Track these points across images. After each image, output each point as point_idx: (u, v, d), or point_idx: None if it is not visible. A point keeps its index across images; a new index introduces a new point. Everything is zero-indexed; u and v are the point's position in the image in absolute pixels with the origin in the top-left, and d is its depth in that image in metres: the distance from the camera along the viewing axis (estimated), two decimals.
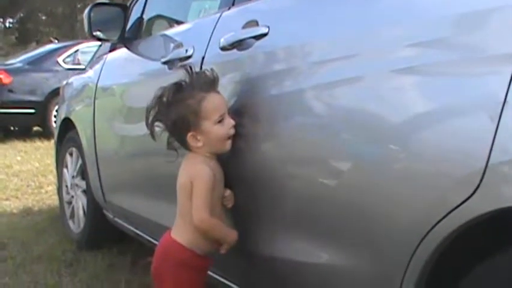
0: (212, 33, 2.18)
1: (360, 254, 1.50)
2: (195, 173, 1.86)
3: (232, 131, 1.87)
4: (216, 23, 2.19)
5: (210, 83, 1.89)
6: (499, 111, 1.15)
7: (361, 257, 1.50)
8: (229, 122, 1.87)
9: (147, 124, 1.96)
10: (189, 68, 1.92)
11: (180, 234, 1.93)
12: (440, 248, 1.28)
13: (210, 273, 2.07)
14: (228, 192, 1.94)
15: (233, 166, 1.94)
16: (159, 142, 2.00)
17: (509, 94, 1.15)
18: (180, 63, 2.24)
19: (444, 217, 1.24)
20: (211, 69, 1.91)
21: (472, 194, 1.19)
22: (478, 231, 1.23)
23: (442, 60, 1.31)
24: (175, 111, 1.87)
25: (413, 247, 1.31)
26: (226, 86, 1.96)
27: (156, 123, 1.95)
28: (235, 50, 1.98)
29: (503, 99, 1.15)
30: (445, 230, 1.25)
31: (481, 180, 1.17)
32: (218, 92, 1.89)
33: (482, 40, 1.24)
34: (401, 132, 1.38)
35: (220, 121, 1.85)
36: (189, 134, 1.86)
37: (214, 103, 1.86)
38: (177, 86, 1.90)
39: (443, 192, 1.26)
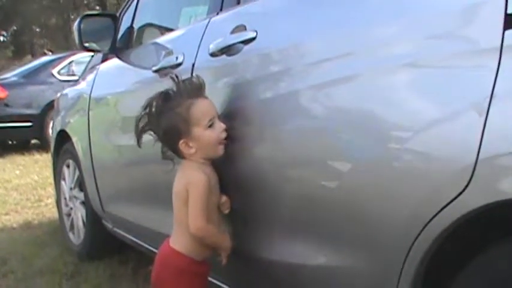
0: (201, 39, 2.18)
1: (356, 255, 1.50)
2: (190, 180, 1.86)
3: (223, 135, 1.87)
4: (205, 29, 2.19)
5: (197, 89, 1.90)
6: (487, 105, 1.15)
7: (358, 257, 1.50)
8: (220, 126, 1.87)
9: (136, 133, 1.97)
10: (175, 76, 1.92)
11: (178, 242, 1.93)
12: (435, 244, 1.28)
13: (209, 278, 2.06)
14: (224, 198, 1.94)
15: (227, 170, 1.94)
16: (154, 150, 2.00)
17: (495, 88, 1.15)
18: (166, 72, 2.24)
19: (437, 213, 1.24)
20: (197, 76, 1.92)
21: (464, 189, 1.19)
22: (471, 227, 1.24)
23: (431, 56, 1.31)
24: (165, 120, 1.88)
25: (408, 245, 1.32)
26: (217, 92, 1.96)
27: (149, 132, 1.96)
28: (224, 56, 1.98)
29: (490, 94, 1.15)
30: (439, 227, 1.25)
31: (472, 175, 1.17)
32: (206, 97, 1.90)
33: (468, 35, 1.25)
34: (392, 130, 1.38)
35: (210, 126, 1.86)
36: (181, 142, 1.86)
37: (203, 108, 1.87)
38: (164, 95, 1.91)
39: (436, 189, 1.26)
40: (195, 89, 1.89)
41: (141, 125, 1.95)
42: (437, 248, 1.29)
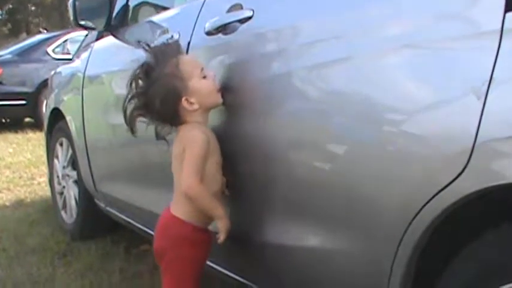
0: (197, 18, 2.16)
1: (351, 238, 1.50)
2: (188, 139, 1.84)
3: (217, 82, 1.87)
4: (201, 8, 2.17)
5: (176, 48, 1.88)
6: (485, 89, 1.14)
7: (352, 240, 1.49)
8: (211, 74, 1.87)
9: (126, 119, 1.94)
10: (146, 45, 1.90)
11: (178, 208, 1.91)
12: (430, 228, 1.27)
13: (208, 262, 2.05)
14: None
15: (224, 151, 1.92)
16: (148, 130, 1.98)
17: (495, 72, 1.13)
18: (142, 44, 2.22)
19: (433, 197, 1.23)
20: (172, 38, 1.90)
21: (460, 173, 1.18)
22: (467, 210, 1.23)
23: (427, 38, 1.30)
24: (158, 88, 1.84)
25: (403, 229, 1.31)
26: (213, 71, 1.94)
27: (140, 119, 1.92)
28: (220, 35, 1.96)
29: (489, 77, 1.14)
30: (434, 211, 1.24)
31: (468, 160, 1.16)
32: (183, 54, 1.88)
33: (468, 17, 1.24)
34: (387, 112, 1.37)
35: (204, 76, 1.85)
36: (183, 100, 1.83)
37: (190, 61, 1.87)
38: (145, 67, 1.87)
39: (432, 173, 1.25)
40: (173, 48, 1.88)
41: (129, 111, 1.91)
42: (431, 232, 1.28)
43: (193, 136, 1.84)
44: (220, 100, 1.88)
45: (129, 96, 1.91)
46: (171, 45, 1.89)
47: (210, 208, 1.86)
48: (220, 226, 1.86)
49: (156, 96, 1.84)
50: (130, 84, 1.90)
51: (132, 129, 1.95)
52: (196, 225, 1.90)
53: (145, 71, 1.86)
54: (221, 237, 1.86)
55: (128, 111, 1.92)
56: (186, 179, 1.82)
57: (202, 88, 1.84)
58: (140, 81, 1.88)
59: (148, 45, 1.90)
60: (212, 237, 1.96)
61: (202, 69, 1.86)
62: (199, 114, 1.88)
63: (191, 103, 1.84)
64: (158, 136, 1.96)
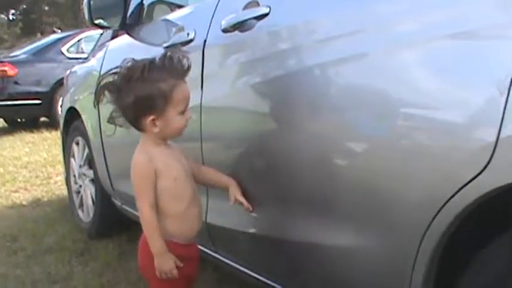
0: (213, 15, 2.15)
1: (373, 235, 1.48)
2: (132, 163, 1.82)
3: (186, 124, 1.82)
4: (217, 5, 2.16)
5: (184, 72, 1.82)
6: (508, 83, 1.12)
7: (374, 237, 1.48)
8: (188, 114, 1.81)
9: (97, 87, 1.87)
10: (168, 51, 1.85)
11: None
12: (453, 225, 1.26)
13: (218, 256, 2.04)
14: (239, 199, 1.90)
15: (241, 150, 1.91)
16: None
17: None
18: (180, 47, 2.20)
19: (456, 193, 1.22)
20: (187, 58, 1.83)
21: (483, 168, 1.16)
22: (489, 208, 1.21)
23: (447, 33, 1.28)
24: (143, 89, 1.76)
25: (425, 225, 1.29)
26: (230, 68, 1.94)
27: (105, 95, 1.85)
28: (237, 32, 1.95)
29: None
30: (458, 207, 1.22)
31: (492, 155, 1.14)
32: (185, 82, 1.82)
33: (489, 11, 1.21)
34: (410, 107, 1.36)
35: (182, 112, 1.79)
36: (150, 118, 1.77)
37: (185, 93, 1.80)
38: (151, 65, 1.79)
39: (455, 168, 1.23)
40: (182, 70, 1.81)
41: (104, 82, 1.85)
42: (455, 229, 1.26)
43: (134, 160, 1.82)
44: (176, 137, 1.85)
45: (116, 70, 1.83)
46: (184, 66, 1.81)
47: (149, 239, 1.80)
48: (155, 262, 1.80)
49: (135, 93, 1.77)
50: (131, 64, 1.81)
51: (97, 100, 1.88)
52: (177, 241, 1.84)
53: (150, 67, 1.78)
54: (156, 273, 1.80)
55: (103, 82, 1.86)
56: (139, 211, 1.81)
57: (173, 123, 1.79)
58: (137, 70, 1.78)
59: (170, 51, 1.84)
60: (195, 250, 1.94)
61: (187, 106, 1.80)
62: (158, 137, 1.82)
63: (155, 125, 1.78)
64: (111, 119, 1.90)
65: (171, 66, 1.80)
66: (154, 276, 1.82)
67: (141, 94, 1.76)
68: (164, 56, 1.82)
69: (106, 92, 1.85)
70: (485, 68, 1.20)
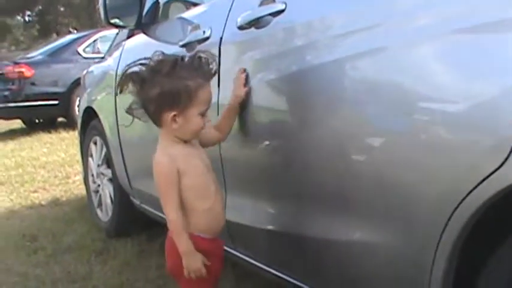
0: (229, 12, 2.15)
1: (392, 230, 1.48)
2: (154, 166, 1.82)
3: (204, 127, 1.83)
4: (233, 2, 2.16)
5: (211, 75, 1.84)
6: None
7: (393, 232, 1.47)
8: (207, 118, 1.83)
9: (121, 76, 1.87)
10: (201, 52, 1.85)
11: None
12: (473, 219, 1.25)
13: (237, 254, 2.03)
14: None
15: (258, 146, 1.91)
16: None
17: None
18: (193, 46, 2.20)
19: (475, 187, 1.21)
20: (216, 62, 1.85)
21: (503, 162, 1.15)
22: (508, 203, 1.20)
23: (466, 26, 1.27)
24: (170, 84, 1.76)
25: (445, 220, 1.28)
26: (246, 65, 1.93)
27: (128, 87, 1.85)
28: (253, 29, 1.95)
29: None
30: (477, 201, 1.21)
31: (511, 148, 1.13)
32: (210, 85, 1.83)
33: (508, 3, 1.20)
34: (429, 102, 1.34)
35: (202, 115, 1.80)
36: (172, 113, 1.77)
37: (209, 95, 1.82)
38: (182, 62, 1.80)
39: (474, 162, 1.22)
40: (209, 73, 1.83)
41: (130, 71, 1.84)
42: (475, 223, 1.25)
43: (155, 162, 1.82)
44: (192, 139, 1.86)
45: (144, 61, 1.84)
46: (212, 70, 1.83)
47: (177, 240, 1.80)
48: (183, 262, 1.80)
49: (162, 85, 1.77)
50: (161, 58, 1.82)
51: (121, 89, 1.87)
52: (202, 236, 1.85)
53: (181, 64, 1.80)
54: (185, 273, 1.81)
55: (129, 71, 1.86)
56: (165, 212, 1.82)
57: (192, 123, 1.79)
58: (167, 65, 1.79)
59: (186, 43, 1.84)
60: (221, 244, 1.94)
61: (207, 109, 1.81)
62: (175, 134, 1.82)
63: (175, 121, 1.79)
64: (129, 110, 1.89)
65: (199, 67, 1.81)
66: (184, 275, 1.82)
67: (167, 89, 1.77)
68: (194, 55, 1.84)
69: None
70: (504, 61, 1.18)
